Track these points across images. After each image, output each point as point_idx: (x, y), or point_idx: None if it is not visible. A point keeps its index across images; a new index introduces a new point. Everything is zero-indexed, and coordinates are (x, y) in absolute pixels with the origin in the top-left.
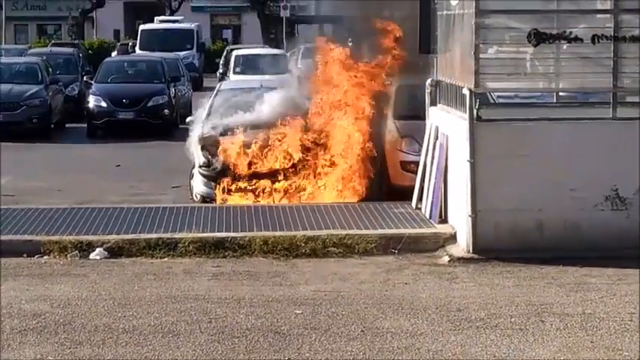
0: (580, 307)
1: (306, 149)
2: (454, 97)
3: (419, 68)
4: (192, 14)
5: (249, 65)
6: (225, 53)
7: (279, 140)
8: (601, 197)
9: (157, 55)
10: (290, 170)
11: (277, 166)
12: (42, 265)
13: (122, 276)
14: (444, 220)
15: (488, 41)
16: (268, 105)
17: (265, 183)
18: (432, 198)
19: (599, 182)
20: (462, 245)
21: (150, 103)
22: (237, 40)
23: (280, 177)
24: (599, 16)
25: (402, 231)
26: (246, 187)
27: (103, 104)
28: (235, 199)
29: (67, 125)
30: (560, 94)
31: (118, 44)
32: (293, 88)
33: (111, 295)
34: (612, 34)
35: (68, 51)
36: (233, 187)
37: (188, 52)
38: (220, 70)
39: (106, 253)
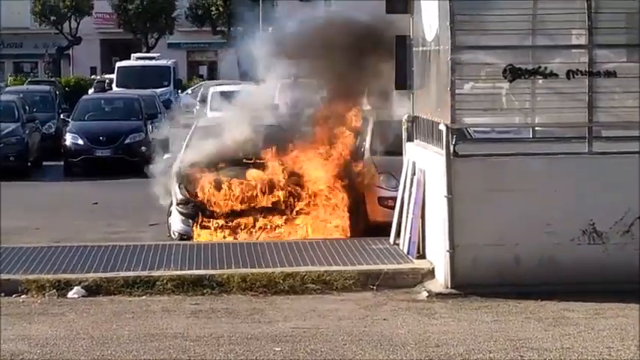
0: (558, 342)
1: (285, 185)
2: (431, 132)
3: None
4: (168, 51)
5: (226, 102)
6: (202, 90)
7: (258, 177)
8: (578, 231)
9: (133, 92)
10: (268, 207)
11: (255, 203)
12: (20, 304)
13: (100, 314)
14: (422, 255)
15: (464, 77)
16: (245, 141)
17: (243, 220)
18: (410, 234)
19: (576, 216)
20: (440, 280)
21: (127, 141)
22: (213, 76)
23: (258, 214)
24: (574, 50)
25: (381, 267)
26: (224, 225)
27: (80, 142)
28: (213, 237)
29: (44, 163)
30: (536, 129)
31: (95, 81)
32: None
33: (89, 334)
34: (587, 69)
35: (45, 89)
36: (211, 224)
37: (165, 88)
38: (197, 107)
39: (84, 291)
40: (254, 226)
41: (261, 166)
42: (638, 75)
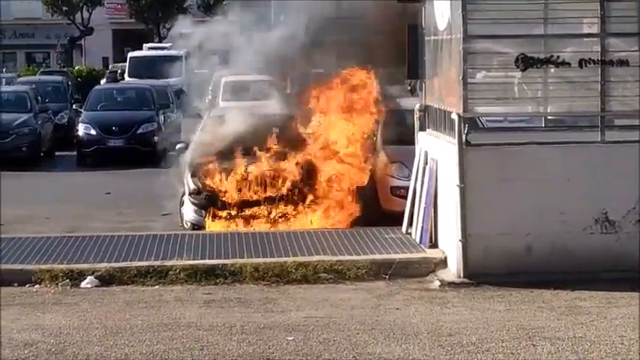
0: (571, 331)
1: (297, 175)
2: (443, 122)
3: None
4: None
5: (238, 91)
6: (213, 79)
7: (270, 167)
8: (590, 220)
9: (145, 82)
10: (280, 197)
11: (268, 193)
12: (33, 294)
13: (113, 304)
14: (434, 244)
15: (476, 66)
16: (257, 131)
17: (256, 210)
18: (422, 223)
19: (589, 206)
20: (453, 270)
21: (139, 131)
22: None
23: (270, 204)
24: (586, 39)
25: (393, 256)
26: (236, 215)
27: (93, 132)
28: (225, 226)
29: (56, 153)
30: (549, 117)
31: (107, 72)
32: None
33: (102, 324)
34: (599, 58)
35: (57, 79)
36: (223, 214)
37: (177, 78)
38: (209, 97)
39: (97, 281)
40: (266, 216)
41: (274, 156)
42: None
